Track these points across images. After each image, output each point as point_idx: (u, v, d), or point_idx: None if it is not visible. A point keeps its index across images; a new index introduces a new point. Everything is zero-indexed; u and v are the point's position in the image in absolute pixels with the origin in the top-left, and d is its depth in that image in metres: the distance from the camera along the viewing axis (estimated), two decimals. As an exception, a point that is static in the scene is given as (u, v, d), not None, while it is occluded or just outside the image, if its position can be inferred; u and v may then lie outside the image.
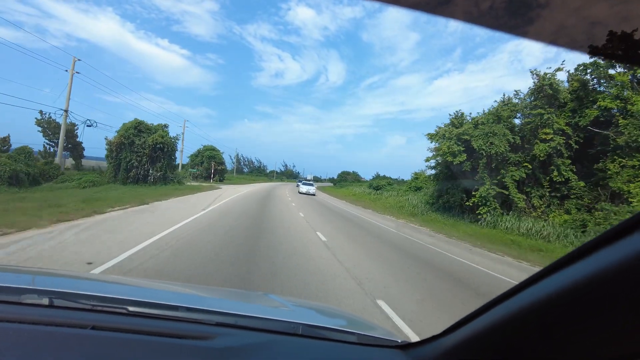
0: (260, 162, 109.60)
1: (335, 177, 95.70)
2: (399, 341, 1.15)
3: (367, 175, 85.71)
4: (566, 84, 16.66)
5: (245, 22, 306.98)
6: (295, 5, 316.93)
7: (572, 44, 0.41)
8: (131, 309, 1.09)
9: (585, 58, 15.62)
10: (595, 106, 14.96)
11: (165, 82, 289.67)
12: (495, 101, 20.66)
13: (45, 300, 1.06)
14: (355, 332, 1.20)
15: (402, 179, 64.18)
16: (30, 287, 1.18)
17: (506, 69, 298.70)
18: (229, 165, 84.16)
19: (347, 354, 1.08)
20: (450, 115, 20.14)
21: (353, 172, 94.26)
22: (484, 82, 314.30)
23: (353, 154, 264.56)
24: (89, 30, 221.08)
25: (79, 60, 24.29)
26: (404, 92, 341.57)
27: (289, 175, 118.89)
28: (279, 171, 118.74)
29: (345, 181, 79.49)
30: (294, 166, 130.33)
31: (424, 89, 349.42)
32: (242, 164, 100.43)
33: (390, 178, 67.82)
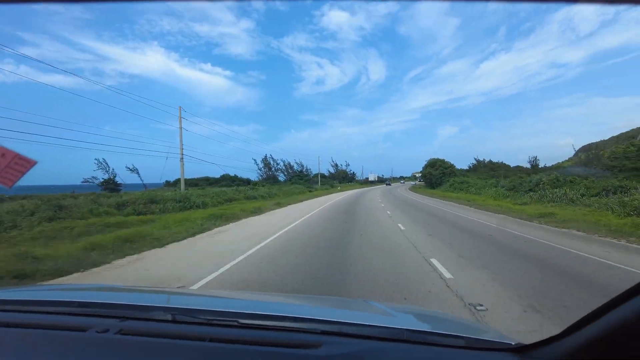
0: (303, 165, 73.84)
1: (422, 170, 58.62)
2: (513, 344, 1.07)
3: (458, 164, 56.01)
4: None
5: (281, 35, 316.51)
6: (328, 10, 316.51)
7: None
8: (242, 321, 1.14)
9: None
10: None
11: (213, 104, 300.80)
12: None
13: (168, 316, 1.18)
14: (464, 336, 1.11)
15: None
16: (156, 305, 1.28)
17: (558, 40, 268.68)
18: (252, 174, 58.14)
19: (454, 359, 1.02)
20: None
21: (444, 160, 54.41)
22: (535, 58, 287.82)
23: (403, 151, 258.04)
24: (139, 65, 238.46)
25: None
26: (450, 80, 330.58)
27: (342, 177, 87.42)
28: (327, 174, 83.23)
29: (450, 176, 46.67)
30: (347, 165, 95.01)
31: (471, 73, 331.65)
32: (273, 169, 66.56)
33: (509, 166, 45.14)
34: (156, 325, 1.15)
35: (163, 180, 39.58)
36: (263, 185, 41.22)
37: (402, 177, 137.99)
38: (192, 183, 42.74)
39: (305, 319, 1.19)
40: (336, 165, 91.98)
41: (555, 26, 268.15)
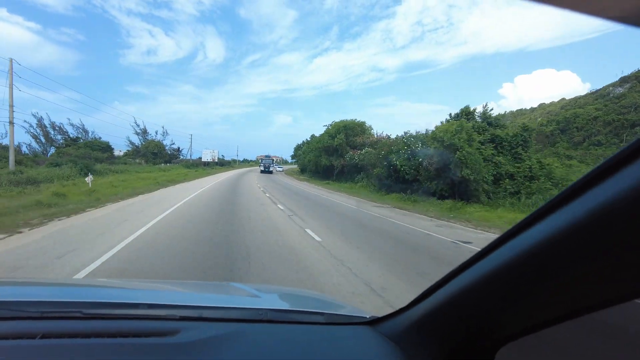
0: (91, 135, 41.99)
1: (322, 142, 35.07)
2: (367, 317, 1.15)
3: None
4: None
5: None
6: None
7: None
8: (87, 311, 1.01)
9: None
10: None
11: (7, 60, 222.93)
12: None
13: None
14: (324, 312, 1.19)
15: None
16: None
17: (379, 46, 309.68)
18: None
19: (315, 335, 1.06)
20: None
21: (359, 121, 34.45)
22: (360, 60, 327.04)
23: (242, 134, 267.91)
24: None
25: None
26: (286, 70, 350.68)
27: (153, 153, 46.69)
28: (129, 147, 48.25)
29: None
30: (165, 134, 54.55)
31: (305, 67, 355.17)
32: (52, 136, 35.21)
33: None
34: None
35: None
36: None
37: (245, 160, 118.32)
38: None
39: (163, 305, 1.13)
40: (144, 131, 48.34)
41: (378, 34, 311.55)
